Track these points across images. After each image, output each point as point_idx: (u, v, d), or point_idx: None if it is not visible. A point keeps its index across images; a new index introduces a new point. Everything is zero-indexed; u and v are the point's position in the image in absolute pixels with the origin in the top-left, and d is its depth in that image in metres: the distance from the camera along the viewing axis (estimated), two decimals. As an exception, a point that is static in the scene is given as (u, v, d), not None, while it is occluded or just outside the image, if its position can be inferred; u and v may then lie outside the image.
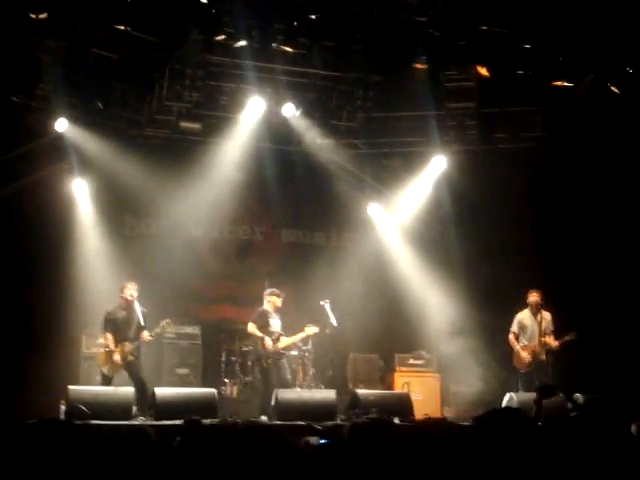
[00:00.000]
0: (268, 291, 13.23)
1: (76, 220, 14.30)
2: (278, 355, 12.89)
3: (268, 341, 12.81)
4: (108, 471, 4.37)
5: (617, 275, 14.63)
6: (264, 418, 12.10)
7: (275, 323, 13.03)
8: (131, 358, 12.27)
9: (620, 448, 3.89)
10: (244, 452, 5.10)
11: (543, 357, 13.29)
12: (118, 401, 11.49)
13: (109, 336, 12.36)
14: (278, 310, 13.12)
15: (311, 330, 13.12)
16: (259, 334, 12.88)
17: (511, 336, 13.52)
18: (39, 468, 4.04)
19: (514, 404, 12.25)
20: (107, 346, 12.31)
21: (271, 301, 13.09)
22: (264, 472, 4.69)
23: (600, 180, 14.59)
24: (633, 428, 5.36)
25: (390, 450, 3.41)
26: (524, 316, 13.51)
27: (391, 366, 15.15)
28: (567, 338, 13.14)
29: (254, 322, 12.99)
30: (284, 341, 12.97)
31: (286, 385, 12.79)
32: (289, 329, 13.17)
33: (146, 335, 12.38)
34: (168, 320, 12.77)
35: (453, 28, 12.51)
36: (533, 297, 13.39)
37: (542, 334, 13.31)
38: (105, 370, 12.29)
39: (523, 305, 13.56)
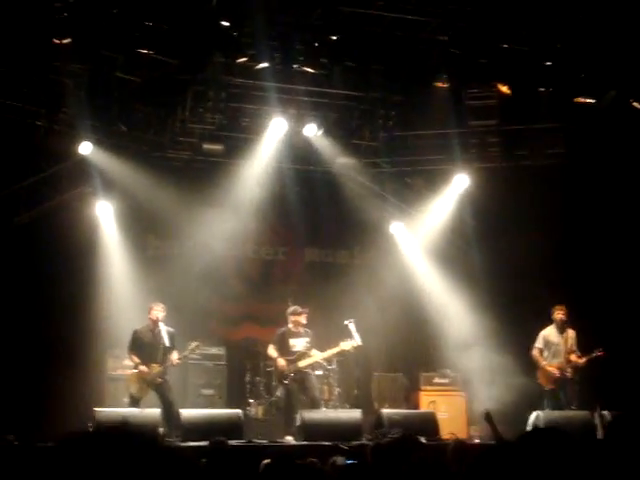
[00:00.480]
0: (290, 310, 13.22)
1: (100, 242, 14.38)
2: (301, 374, 12.84)
3: (281, 361, 12.80)
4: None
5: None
6: (289, 438, 12.08)
7: (298, 342, 12.99)
8: (160, 381, 12.29)
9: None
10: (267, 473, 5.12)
11: (569, 374, 13.21)
12: (145, 423, 11.49)
13: (133, 355, 12.43)
14: (303, 327, 13.09)
15: (347, 345, 13.02)
16: (273, 355, 12.89)
17: (535, 352, 13.43)
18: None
19: (540, 423, 12.19)
20: (135, 366, 12.36)
21: (294, 320, 13.08)
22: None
23: (623, 196, 14.54)
24: None
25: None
26: (549, 333, 13.43)
27: (416, 385, 15.09)
28: (594, 355, 13.05)
29: (273, 344, 13.02)
30: (307, 360, 12.92)
31: (316, 403, 12.76)
32: (315, 348, 13.14)
33: (174, 358, 12.40)
34: (197, 343, 12.81)
35: (474, 46, 12.56)
36: (559, 314, 13.31)
37: (568, 351, 13.24)
38: (134, 390, 12.31)
39: (547, 321, 13.49)
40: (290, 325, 13.06)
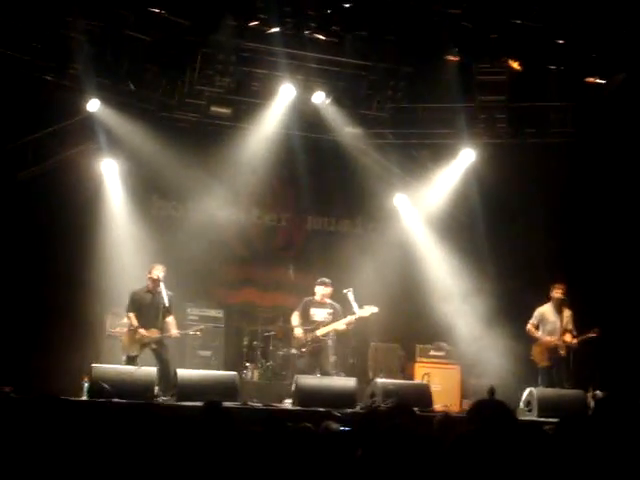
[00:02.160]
0: (318, 280, 13.20)
1: (104, 200, 14.41)
2: (317, 342, 12.88)
3: (298, 330, 12.86)
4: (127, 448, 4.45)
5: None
6: (288, 402, 12.18)
7: (319, 312, 12.99)
8: (155, 347, 12.33)
9: (635, 445, 3.91)
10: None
11: (563, 353, 13.23)
12: (140, 380, 11.56)
13: (132, 315, 12.43)
14: (329, 299, 13.07)
15: (366, 312, 12.98)
16: (294, 323, 12.96)
17: (530, 327, 13.39)
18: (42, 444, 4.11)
19: (534, 399, 12.29)
20: (131, 325, 12.39)
21: (317, 291, 13.09)
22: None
23: (628, 177, 14.53)
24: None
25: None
26: (546, 310, 13.43)
27: (412, 356, 15.17)
28: (590, 335, 13.09)
29: (297, 311, 13.07)
30: (325, 328, 12.91)
31: (325, 374, 12.79)
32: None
33: (174, 332, 12.46)
34: (202, 327, 13.06)
35: (486, 21, 12.50)
36: (558, 292, 13.31)
37: (563, 331, 13.27)
38: (129, 349, 12.33)
39: (546, 299, 13.52)
40: (316, 296, 13.07)
